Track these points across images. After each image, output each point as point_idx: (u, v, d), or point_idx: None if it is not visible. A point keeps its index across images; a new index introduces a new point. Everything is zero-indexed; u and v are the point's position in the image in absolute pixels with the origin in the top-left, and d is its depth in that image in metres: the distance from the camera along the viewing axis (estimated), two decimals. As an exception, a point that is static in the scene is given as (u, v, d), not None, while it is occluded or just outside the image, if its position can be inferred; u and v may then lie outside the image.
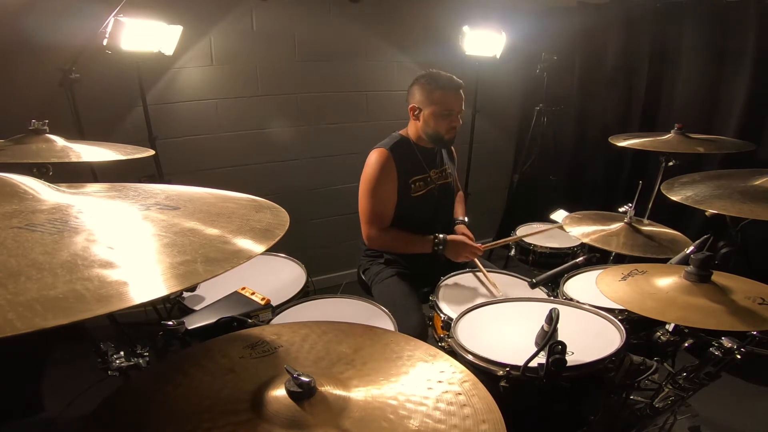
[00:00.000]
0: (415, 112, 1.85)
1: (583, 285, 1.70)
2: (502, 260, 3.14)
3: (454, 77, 1.83)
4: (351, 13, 2.93)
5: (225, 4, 2.65)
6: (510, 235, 2.32)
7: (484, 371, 1.14)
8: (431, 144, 1.93)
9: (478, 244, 1.88)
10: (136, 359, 1.25)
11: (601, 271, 1.33)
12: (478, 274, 1.81)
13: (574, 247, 2.15)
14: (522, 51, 3.33)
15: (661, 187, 1.50)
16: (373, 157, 1.84)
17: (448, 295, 1.64)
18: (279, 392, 0.75)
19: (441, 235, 1.83)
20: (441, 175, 1.98)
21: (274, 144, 2.96)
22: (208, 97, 2.74)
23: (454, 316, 1.42)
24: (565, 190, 3.41)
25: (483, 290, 1.71)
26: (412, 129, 1.91)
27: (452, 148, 2.12)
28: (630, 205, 1.84)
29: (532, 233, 2.11)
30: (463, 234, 2.04)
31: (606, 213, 1.98)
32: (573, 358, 1.09)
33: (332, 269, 3.26)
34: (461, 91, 1.83)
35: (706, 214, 1.35)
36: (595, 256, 1.64)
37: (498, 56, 3.02)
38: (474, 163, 3.36)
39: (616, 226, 1.83)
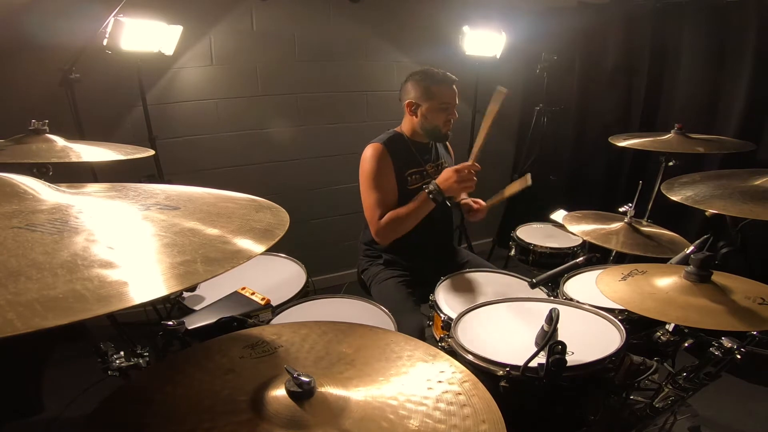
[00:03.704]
0: (413, 108, 1.87)
1: (583, 285, 1.70)
2: (502, 260, 3.14)
3: (448, 73, 1.85)
4: (351, 13, 2.93)
5: (225, 4, 2.65)
6: (510, 236, 2.32)
7: (484, 371, 1.13)
8: (427, 139, 1.94)
9: (467, 162, 1.75)
10: (136, 359, 1.25)
11: (601, 271, 1.33)
12: (481, 274, 1.80)
13: (574, 247, 2.15)
14: (522, 51, 3.33)
15: (661, 187, 1.50)
16: (369, 152, 1.85)
17: (448, 295, 1.64)
18: (279, 392, 0.75)
19: (430, 186, 1.74)
20: (437, 170, 1.98)
21: (274, 144, 2.96)
22: (208, 97, 2.74)
23: (454, 316, 1.42)
24: (565, 190, 3.41)
25: (483, 290, 1.71)
26: (407, 125, 1.93)
27: (448, 144, 2.13)
28: (630, 205, 1.84)
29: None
30: (470, 200, 2.05)
31: (606, 213, 1.98)
32: (573, 358, 1.09)
33: (332, 269, 3.26)
34: (455, 86, 1.85)
35: (706, 214, 1.35)
36: (595, 256, 1.64)
37: (498, 56, 3.02)
38: (474, 163, 3.36)
39: (616, 225, 1.84)
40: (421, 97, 1.83)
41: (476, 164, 1.75)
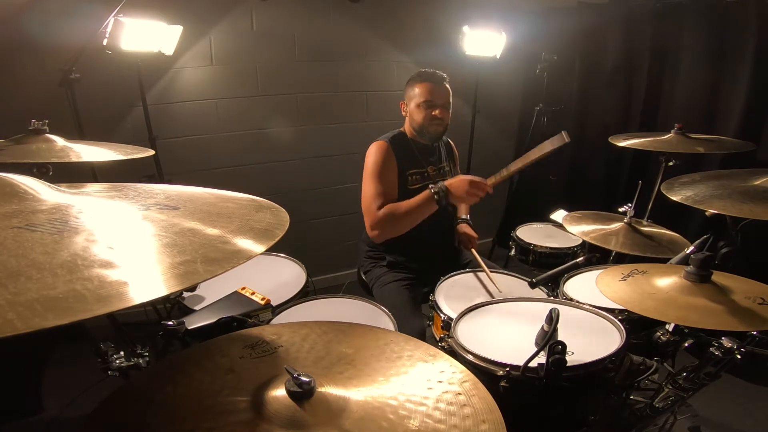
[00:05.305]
0: (404, 108, 1.92)
1: (583, 285, 1.70)
2: (502, 260, 3.14)
3: (438, 72, 1.86)
4: (351, 13, 2.93)
5: (225, 4, 2.65)
6: (510, 236, 2.32)
7: (484, 371, 1.13)
8: (424, 140, 1.95)
9: (485, 179, 1.69)
10: (136, 359, 1.26)
11: (601, 271, 1.33)
12: (480, 274, 1.81)
13: (574, 247, 2.15)
14: (522, 51, 3.33)
15: (661, 187, 1.50)
16: (374, 148, 1.87)
17: (448, 295, 1.64)
18: (279, 392, 0.75)
19: (437, 186, 1.70)
20: (438, 172, 1.98)
21: (274, 144, 2.96)
22: (208, 97, 2.74)
23: (454, 316, 1.42)
24: (565, 190, 3.41)
25: (483, 290, 1.71)
26: (407, 125, 1.97)
27: (453, 146, 2.13)
28: (630, 205, 1.84)
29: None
30: (466, 233, 2.04)
31: (606, 213, 1.98)
32: (573, 358, 1.09)
33: (332, 269, 3.26)
34: (444, 84, 1.85)
35: (706, 214, 1.35)
36: (595, 256, 1.64)
37: (498, 56, 3.02)
38: (474, 163, 3.35)
39: (615, 225, 1.84)
40: (408, 96, 1.88)
41: (491, 188, 1.69)
